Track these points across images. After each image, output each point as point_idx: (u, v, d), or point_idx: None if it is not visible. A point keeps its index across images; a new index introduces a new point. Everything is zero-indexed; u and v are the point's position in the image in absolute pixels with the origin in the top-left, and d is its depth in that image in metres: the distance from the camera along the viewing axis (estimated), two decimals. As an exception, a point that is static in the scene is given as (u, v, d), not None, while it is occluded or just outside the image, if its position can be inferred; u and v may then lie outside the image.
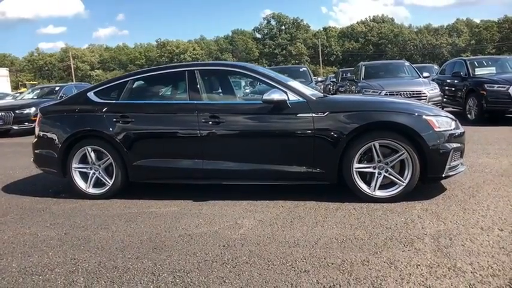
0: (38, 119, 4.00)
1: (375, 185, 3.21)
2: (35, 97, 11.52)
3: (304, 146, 3.29)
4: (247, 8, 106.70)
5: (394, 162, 3.20)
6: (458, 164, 3.32)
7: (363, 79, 9.42)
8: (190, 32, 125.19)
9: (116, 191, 3.70)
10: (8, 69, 33.56)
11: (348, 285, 1.98)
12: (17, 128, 9.83)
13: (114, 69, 66.35)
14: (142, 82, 3.95)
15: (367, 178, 3.28)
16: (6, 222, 3.23)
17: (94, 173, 3.74)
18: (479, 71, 8.65)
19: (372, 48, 67.09)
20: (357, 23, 72.26)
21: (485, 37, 63.95)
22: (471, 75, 8.50)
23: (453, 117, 3.44)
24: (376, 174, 3.22)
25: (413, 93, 8.11)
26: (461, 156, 3.39)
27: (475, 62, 9.02)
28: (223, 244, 2.55)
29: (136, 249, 2.55)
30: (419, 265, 2.14)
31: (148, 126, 3.61)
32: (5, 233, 2.96)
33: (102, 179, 3.73)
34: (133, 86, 3.83)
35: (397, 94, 8.07)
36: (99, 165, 3.72)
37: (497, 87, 7.59)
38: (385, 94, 8.10)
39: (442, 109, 5.45)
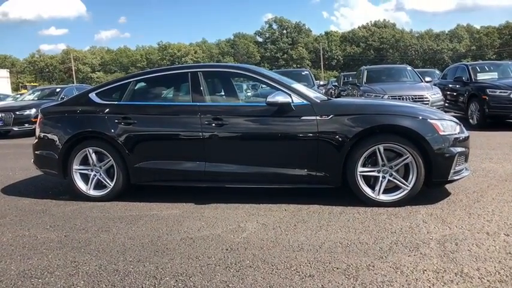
0: (38, 119, 3.97)
1: (379, 189, 3.18)
2: (36, 98, 11.51)
3: (307, 149, 3.26)
4: (249, 12, 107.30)
5: (399, 166, 3.16)
6: (462, 169, 3.29)
7: (365, 83, 9.41)
8: (192, 35, 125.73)
9: (117, 193, 3.67)
10: (8, 70, 33.76)
11: (354, 290, 1.94)
12: (17, 129, 9.81)
13: (115, 72, 66.46)
14: (145, 83, 3.93)
15: (371, 182, 3.25)
16: (5, 224, 3.20)
17: (95, 175, 3.70)
18: (481, 76, 8.64)
19: (373, 52, 67.28)
20: (358, 27, 72.58)
21: (486, 43, 64.17)
22: (473, 80, 8.49)
23: (458, 121, 3.41)
24: (381, 178, 3.18)
25: (416, 98, 8.09)
26: (466, 161, 3.36)
27: (477, 67, 9.02)
28: (226, 248, 2.51)
29: (138, 252, 2.51)
30: (425, 270, 2.10)
31: (151, 128, 3.59)
32: (3, 235, 2.93)
33: (103, 181, 3.69)
34: (136, 87, 3.81)
35: (399, 98, 8.06)
36: (100, 167, 3.69)
37: (499, 92, 7.58)
38: (388, 98, 8.09)
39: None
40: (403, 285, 1.97)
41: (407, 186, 3.14)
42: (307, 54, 68.38)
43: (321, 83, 16.58)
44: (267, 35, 72.50)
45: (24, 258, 2.50)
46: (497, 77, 8.64)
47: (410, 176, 3.14)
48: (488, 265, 2.13)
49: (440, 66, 52.43)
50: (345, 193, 3.35)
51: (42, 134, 3.89)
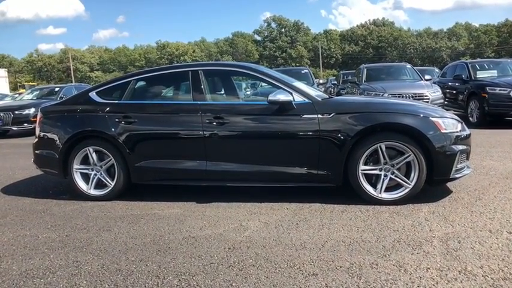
0: (38, 119, 3.95)
1: (381, 187, 3.17)
2: (35, 98, 11.47)
3: (309, 148, 3.25)
4: (247, 11, 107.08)
5: (400, 164, 3.16)
6: (464, 166, 3.29)
7: (364, 81, 9.40)
8: (191, 34, 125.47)
9: (118, 192, 3.66)
10: (6, 70, 33.61)
11: (358, 289, 1.94)
12: (16, 128, 9.78)
13: (114, 71, 66.28)
14: (145, 82, 3.91)
15: (372, 180, 3.24)
16: (6, 223, 3.18)
17: (96, 174, 3.69)
18: (480, 74, 8.64)
19: (371, 51, 67.27)
20: (357, 26, 72.53)
21: (484, 41, 64.20)
22: (473, 78, 8.50)
23: (459, 119, 3.41)
24: (382, 177, 3.18)
25: (416, 96, 8.09)
26: (467, 159, 3.35)
27: (477, 65, 9.02)
28: (229, 247, 2.50)
29: (140, 251, 2.50)
30: (429, 268, 2.10)
31: (151, 127, 3.57)
32: (4, 235, 2.91)
33: (103, 180, 3.68)
34: (136, 86, 3.79)
35: (399, 96, 8.04)
36: (101, 166, 3.68)
37: (499, 90, 7.58)
38: (388, 96, 8.08)
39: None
40: (407, 284, 1.96)
41: (409, 184, 3.14)
42: (306, 52, 68.33)
43: (321, 81, 16.58)
44: (266, 34, 72.38)
45: (25, 258, 2.49)
46: (496, 75, 8.64)
47: (412, 174, 3.14)
48: (491, 263, 2.13)
49: (439, 65, 52.46)
50: (346, 191, 3.34)
51: (42, 134, 3.87)
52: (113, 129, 3.57)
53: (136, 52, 71.62)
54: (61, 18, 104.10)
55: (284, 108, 3.29)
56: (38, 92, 12.04)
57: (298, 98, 3.33)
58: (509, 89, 7.42)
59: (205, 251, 2.46)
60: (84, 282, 2.13)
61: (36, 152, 3.91)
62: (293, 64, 63.30)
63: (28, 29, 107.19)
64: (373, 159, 3.22)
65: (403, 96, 8.04)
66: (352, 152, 3.18)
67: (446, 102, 9.04)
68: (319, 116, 3.23)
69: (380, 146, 3.13)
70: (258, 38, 73.31)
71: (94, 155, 3.66)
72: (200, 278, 2.11)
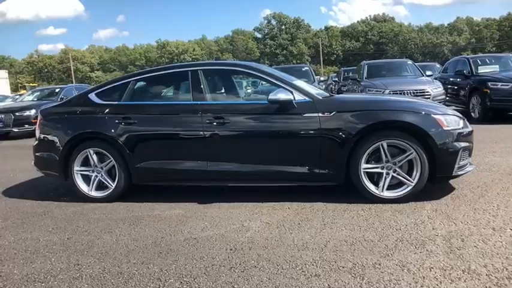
0: (38, 121, 3.94)
1: (383, 185, 3.15)
2: (35, 99, 11.47)
3: (310, 147, 3.23)
4: (247, 8, 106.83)
5: (403, 162, 3.14)
6: (466, 163, 3.26)
7: (365, 78, 9.36)
8: (191, 33, 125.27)
9: (119, 194, 3.65)
10: (7, 71, 33.67)
11: (361, 289, 1.92)
12: (17, 130, 9.78)
13: (114, 71, 66.32)
14: (145, 83, 3.89)
15: (374, 178, 3.22)
16: (7, 227, 3.18)
17: (96, 176, 3.68)
18: (482, 69, 8.58)
19: (372, 47, 67.04)
20: (358, 22, 72.24)
21: (486, 35, 63.87)
22: (474, 73, 8.44)
23: (461, 115, 3.38)
24: (384, 175, 3.16)
25: (417, 92, 8.05)
26: (470, 156, 3.33)
27: (478, 60, 8.96)
28: (231, 248, 2.49)
29: (142, 254, 2.49)
30: (432, 268, 2.08)
31: (151, 128, 3.56)
32: (6, 238, 2.91)
33: (104, 181, 3.67)
34: (136, 87, 3.78)
35: (400, 93, 8.01)
36: (102, 168, 3.67)
37: (501, 85, 7.53)
38: (389, 93, 8.04)
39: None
40: (410, 284, 1.95)
41: (412, 182, 3.11)
42: (306, 49, 68.15)
43: (321, 78, 16.48)
44: (266, 31, 72.20)
45: (27, 261, 2.48)
46: (498, 69, 8.58)
47: (414, 172, 3.11)
48: (495, 261, 2.11)
49: (440, 60, 52.22)
50: (348, 190, 3.32)
51: (42, 136, 3.86)
52: (112, 131, 3.55)
53: (136, 51, 71.60)
54: (61, 18, 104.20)
55: (285, 107, 3.27)
56: (38, 93, 12.05)
57: (298, 97, 3.31)
58: (511, 84, 7.37)
59: (206, 252, 2.45)
60: (86, 285, 2.13)
61: (36, 154, 3.90)
62: (294, 61, 63.20)
63: (28, 30, 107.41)
64: (375, 158, 3.20)
65: (404, 93, 8.01)
66: (354, 151, 3.15)
67: (447, 98, 9.01)
68: (320, 114, 3.21)
69: (382, 144, 3.11)
70: (259, 35, 73.16)
71: (94, 156, 3.65)
72: (202, 280, 2.10)
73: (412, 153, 3.09)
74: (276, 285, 2.01)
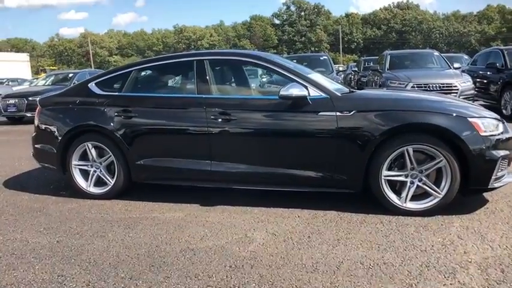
0: (37, 111, 3.73)
1: (406, 195, 2.80)
2: (49, 84, 11.43)
3: (325, 149, 2.90)
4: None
5: (430, 170, 2.77)
6: (504, 174, 2.86)
7: (387, 69, 8.81)
8: (209, 18, 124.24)
9: (118, 191, 3.42)
10: (28, 54, 34.11)
11: (379, 331, 1.62)
12: (30, 115, 9.72)
13: (132, 55, 66.63)
14: (147, 73, 3.60)
15: (396, 187, 2.87)
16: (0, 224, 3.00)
17: (95, 171, 3.46)
18: (517, 62, 7.90)
19: (394, 36, 64.76)
20: (380, 9, 69.73)
21: (518, 25, 60.52)
22: (509, 66, 7.78)
23: (500, 117, 2.96)
24: (408, 184, 2.80)
25: (444, 86, 7.49)
26: (509, 165, 2.92)
27: (513, 52, 8.25)
28: (230, 264, 2.22)
29: (132, 266, 2.25)
30: (465, 305, 1.75)
31: (152, 122, 3.28)
32: (-5, 238, 2.73)
33: (103, 177, 3.45)
34: (138, 77, 3.50)
35: (425, 86, 7.49)
36: (101, 163, 3.44)
37: (539, 80, 6.90)
38: (412, 86, 7.53)
39: (473, 102, 4.90)
40: (439, 327, 1.62)
41: (439, 193, 2.75)
42: (325, 37, 66.46)
43: (340, 68, 15.81)
44: (285, 17, 70.66)
45: (9, 268, 2.28)
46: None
47: (443, 182, 2.74)
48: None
49: (466, 50, 49.82)
50: (365, 199, 2.99)
51: (40, 126, 3.65)
52: (112, 124, 3.31)
53: (154, 36, 71.59)
54: (82, 2, 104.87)
55: (298, 104, 2.93)
56: (53, 78, 12.01)
57: (314, 93, 2.96)
58: (550, 80, 6.73)
59: (203, 268, 2.19)
60: (65, 304, 1.90)
61: (35, 145, 3.71)
62: (312, 49, 61.85)
63: (51, 14, 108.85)
64: (399, 164, 2.83)
65: (429, 87, 7.48)
66: (375, 155, 2.80)
67: (476, 93, 8.39)
68: (338, 113, 2.86)
69: (407, 150, 2.74)
70: (277, 21, 71.69)
71: (93, 150, 3.42)
72: (194, 306, 1.84)
73: (441, 160, 2.71)
74: (278, 318, 1.73)
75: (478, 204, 2.95)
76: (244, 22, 72.24)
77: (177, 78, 3.67)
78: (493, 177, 2.71)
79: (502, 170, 2.78)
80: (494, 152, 2.69)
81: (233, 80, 3.68)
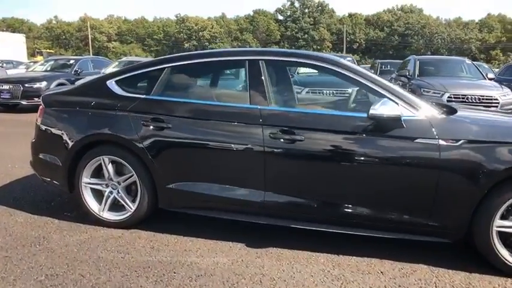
0: (40, 110, 2.98)
1: (525, 254, 2.15)
2: (48, 69, 10.56)
3: (421, 187, 2.23)
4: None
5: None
6: None
7: (418, 76, 8.16)
8: (211, 9, 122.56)
9: (140, 219, 2.71)
10: (25, 35, 32.75)
11: None
12: (25, 103, 8.91)
13: (132, 43, 65.13)
14: (185, 72, 2.82)
15: (508, 241, 2.22)
16: (-14, 262, 2.28)
17: (111, 192, 2.74)
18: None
19: (397, 38, 64.20)
20: (384, 11, 69.13)
21: (519, 34, 60.41)
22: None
23: None
24: (527, 240, 2.15)
25: (483, 98, 6.85)
26: None
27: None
28: None
29: None
30: None
31: (191, 136, 2.56)
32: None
33: (121, 201, 2.73)
34: (172, 77, 2.76)
35: (463, 98, 6.85)
36: (119, 183, 2.72)
37: None
38: (449, 97, 6.90)
39: None
40: None
41: None
42: (328, 36, 65.66)
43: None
44: (289, 13, 69.62)
45: None
46: None
47: None
48: None
49: (466, 57, 49.31)
50: (463, 251, 2.33)
51: (43, 131, 2.91)
52: (137, 135, 2.59)
53: (155, 24, 69.99)
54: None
55: (387, 127, 2.24)
56: (52, 63, 11.09)
57: (407, 112, 2.28)
58: None
59: None
60: None
61: (35, 155, 2.97)
62: (314, 47, 61.09)
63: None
64: (514, 212, 2.18)
65: (468, 98, 6.84)
66: (486, 200, 2.14)
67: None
68: (442, 142, 2.18)
69: (534, 196, 2.08)
70: (280, 17, 70.63)
71: (110, 166, 2.70)
72: None
73: None
74: None
75: None
76: (246, 16, 71.06)
77: (224, 81, 2.93)
78: None
79: None
80: None
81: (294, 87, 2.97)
